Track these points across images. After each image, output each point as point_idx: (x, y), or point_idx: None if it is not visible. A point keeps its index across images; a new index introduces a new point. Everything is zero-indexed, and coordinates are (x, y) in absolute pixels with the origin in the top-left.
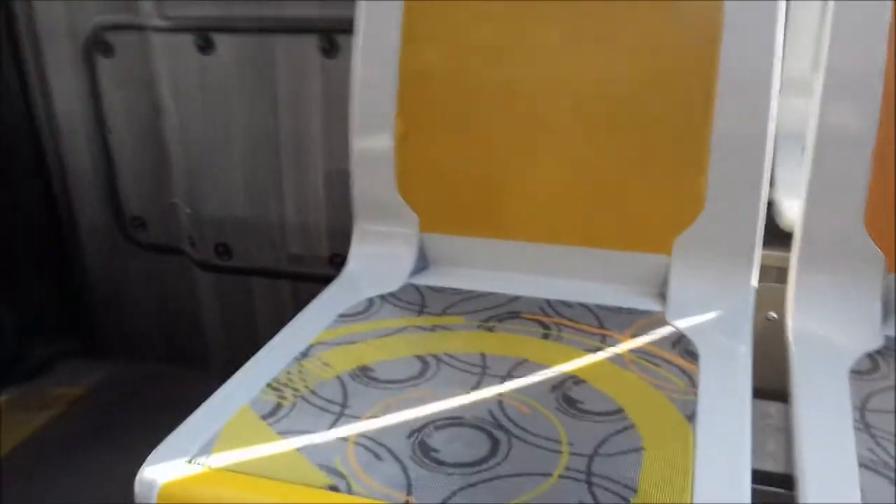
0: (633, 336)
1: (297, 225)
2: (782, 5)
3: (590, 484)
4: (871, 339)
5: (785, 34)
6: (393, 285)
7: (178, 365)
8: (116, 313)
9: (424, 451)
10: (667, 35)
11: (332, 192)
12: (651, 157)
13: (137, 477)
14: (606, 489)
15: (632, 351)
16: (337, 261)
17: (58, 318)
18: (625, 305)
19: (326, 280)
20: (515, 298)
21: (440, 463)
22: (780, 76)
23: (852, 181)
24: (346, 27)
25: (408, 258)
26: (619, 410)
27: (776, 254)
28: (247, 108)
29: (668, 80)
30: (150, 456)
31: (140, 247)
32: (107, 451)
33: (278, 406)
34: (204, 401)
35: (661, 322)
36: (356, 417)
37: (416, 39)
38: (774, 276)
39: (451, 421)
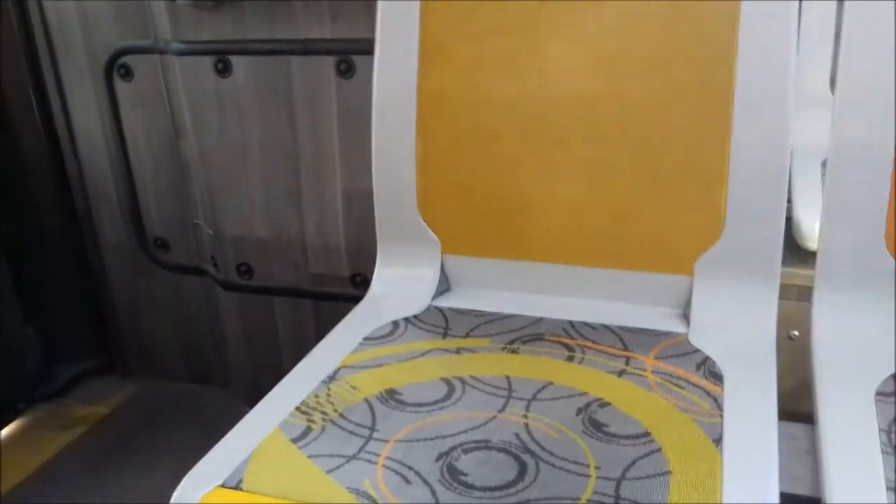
0: (657, 358)
1: (317, 244)
2: (795, 13)
3: None
4: None
5: (798, 49)
6: (417, 308)
7: (202, 384)
8: (140, 333)
9: (453, 475)
10: (683, 50)
11: (352, 211)
12: (670, 175)
13: (172, 499)
14: None
15: (656, 373)
16: (358, 280)
17: (82, 337)
18: (648, 327)
19: (348, 299)
20: (538, 320)
21: (468, 486)
22: (796, 91)
23: (871, 198)
24: (361, 48)
25: (431, 281)
26: (646, 434)
27: (797, 272)
28: (264, 128)
29: (686, 96)
30: (185, 479)
31: (163, 267)
32: (132, 469)
33: (308, 429)
34: (227, 419)
35: (685, 343)
36: (384, 441)
37: (433, 60)
38: (795, 294)
39: (479, 444)
